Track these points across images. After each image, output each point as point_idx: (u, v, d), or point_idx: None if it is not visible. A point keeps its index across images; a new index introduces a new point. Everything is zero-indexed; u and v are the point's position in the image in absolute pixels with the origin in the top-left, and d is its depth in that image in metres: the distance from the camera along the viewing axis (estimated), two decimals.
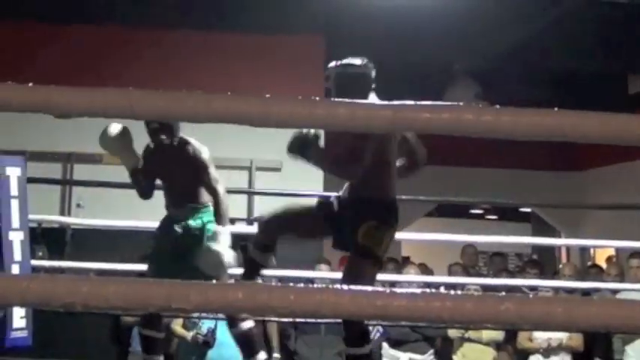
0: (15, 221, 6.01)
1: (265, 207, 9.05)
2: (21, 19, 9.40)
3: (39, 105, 1.67)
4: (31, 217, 6.22)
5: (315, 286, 1.38)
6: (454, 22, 8.79)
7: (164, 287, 1.51)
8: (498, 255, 10.72)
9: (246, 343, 5.28)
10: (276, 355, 7.65)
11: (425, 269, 9.73)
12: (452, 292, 1.49)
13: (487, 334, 7.90)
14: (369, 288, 1.48)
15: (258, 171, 9.45)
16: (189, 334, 7.23)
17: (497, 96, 10.00)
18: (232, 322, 5.32)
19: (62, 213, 8.50)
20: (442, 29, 9.03)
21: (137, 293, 1.49)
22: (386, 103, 1.51)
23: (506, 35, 9.57)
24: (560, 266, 10.70)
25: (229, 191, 8.70)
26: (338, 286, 1.46)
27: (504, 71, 10.62)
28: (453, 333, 7.95)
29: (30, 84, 1.61)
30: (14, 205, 6.02)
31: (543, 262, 10.12)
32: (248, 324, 5.15)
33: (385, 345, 7.99)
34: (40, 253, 7.52)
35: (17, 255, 6.00)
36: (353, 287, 1.46)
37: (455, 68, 10.67)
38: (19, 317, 6.13)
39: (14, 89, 1.62)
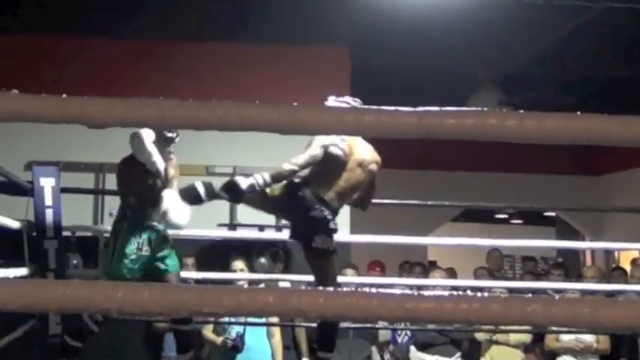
0: (49, 230, 6.06)
1: None
2: (49, 33, 9.47)
3: (73, 116, 1.68)
4: (65, 225, 6.27)
5: (344, 289, 1.39)
6: (477, 30, 8.77)
7: (197, 292, 1.51)
8: (530, 259, 10.77)
9: None
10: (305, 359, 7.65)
11: (452, 273, 9.73)
12: (479, 294, 1.48)
13: (514, 337, 7.86)
14: (398, 291, 1.48)
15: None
16: (218, 339, 7.25)
17: (521, 102, 10.00)
18: None
19: (95, 222, 8.53)
20: (466, 38, 9.02)
21: (170, 298, 1.50)
22: (411, 109, 1.51)
23: (530, 42, 9.54)
24: (585, 269, 10.66)
25: None
26: (367, 289, 1.46)
27: (527, 78, 10.58)
28: (480, 336, 7.91)
29: (64, 95, 1.62)
30: (49, 214, 6.08)
31: (568, 265, 10.06)
32: None
33: (412, 348, 7.97)
34: (75, 261, 7.57)
35: (52, 263, 6.05)
36: (381, 290, 1.46)
37: (479, 75, 10.65)
38: (55, 324, 6.17)
39: (48, 101, 1.63)
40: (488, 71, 10.57)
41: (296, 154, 9.07)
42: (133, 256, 5.25)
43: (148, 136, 5.22)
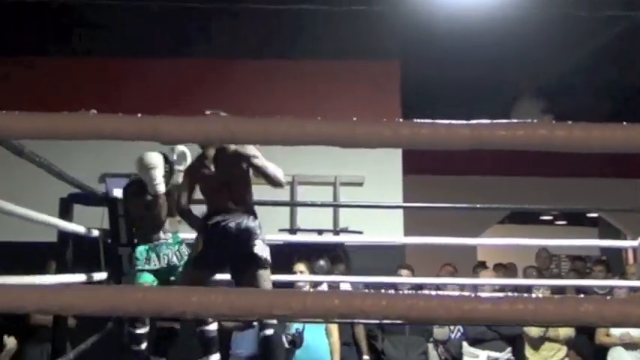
0: (123, 238, 6.13)
1: (349, 218, 9.14)
2: (121, 55, 9.60)
3: (147, 134, 1.69)
4: None
5: (405, 292, 1.38)
6: (521, 41, 8.70)
7: (267, 295, 1.52)
8: (578, 259, 10.73)
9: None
10: (365, 357, 7.64)
11: (506, 270, 9.71)
12: (533, 295, 1.48)
13: (564, 332, 7.81)
14: (456, 293, 1.48)
15: (342, 186, 9.47)
16: (280, 336, 7.26)
17: (563, 110, 9.91)
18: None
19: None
20: (510, 49, 8.96)
21: (243, 302, 1.51)
22: (464, 122, 1.50)
23: (571, 51, 9.45)
24: (627, 266, 10.61)
25: (316, 205, 8.79)
26: (427, 291, 1.46)
27: (569, 86, 10.47)
28: (534, 332, 7.86)
29: (139, 114, 1.64)
30: (122, 223, 6.16)
31: (611, 264, 9.97)
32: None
33: (465, 344, 7.93)
34: None
35: (126, 268, 6.12)
36: (441, 293, 1.47)
37: (522, 85, 10.58)
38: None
39: (124, 120, 1.65)
40: (531, 81, 10.49)
41: (353, 162, 9.12)
42: (145, 270, 5.36)
43: (154, 159, 5.34)
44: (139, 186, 5.53)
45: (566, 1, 7.69)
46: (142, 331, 5.59)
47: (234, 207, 5.01)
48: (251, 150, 5.04)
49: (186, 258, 5.39)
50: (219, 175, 5.08)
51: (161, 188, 5.37)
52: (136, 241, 5.62)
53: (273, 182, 5.06)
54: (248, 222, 4.99)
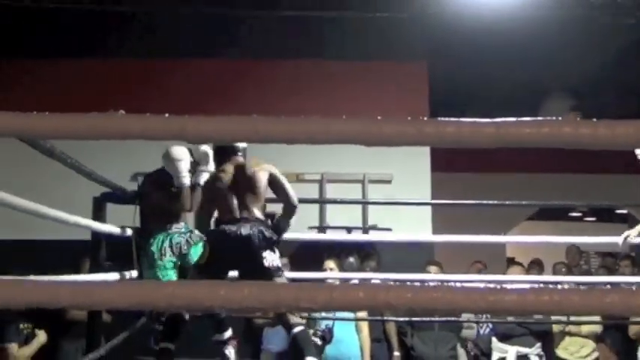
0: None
1: (378, 216, 9.13)
2: (152, 57, 9.64)
3: (174, 134, 1.70)
4: None
5: (431, 284, 1.39)
6: (549, 40, 8.65)
7: (293, 289, 1.52)
8: (609, 255, 10.67)
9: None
10: (396, 353, 7.63)
11: (539, 268, 9.67)
12: (559, 286, 1.47)
13: (586, 328, 7.75)
14: (482, 285, 1.48)
15: (371, 184, 9.45)
16: (310, 332, 7.26)
17: (591, 108, 9.82)
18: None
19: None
20: (538, 48, 8.91)
21: (269, 295, 1.51)
22: (489, 120, 1.49)
23: (599, 50, 9.38)
24: None
25: (344, 202, 8.79)
26: (452, 283, 1.45)
27: (597, 84, 10.39)
28: (555, 327, 7.80)
29: (166, 114, 1.64)
30: None
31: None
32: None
33: (494, 339, 7.89)
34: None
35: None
36: (466, 285, 1.46)
37: (550, 83, 10.51)
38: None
39: (152, 120, 1.65)
40: (558, 80, 10.42)
41: (382, 160, 9.10)
42: (160, 264, 5.36)
43: (181, 152, 5.35)
44: (161, 177, 5.54)
45: (590, 2, 7.63)
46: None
47: (245, 216, 5.01)
48: (274, 169, 5.12)
49: (196, 243, 5.41)
50: (236, 189, 5.07)
51: (186, 181, 5.39)
52: (146, 230, 5.59)
53: (291, 202, 5.14)
54: (256, 231, 4.94)
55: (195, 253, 5.51)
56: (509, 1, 7.90)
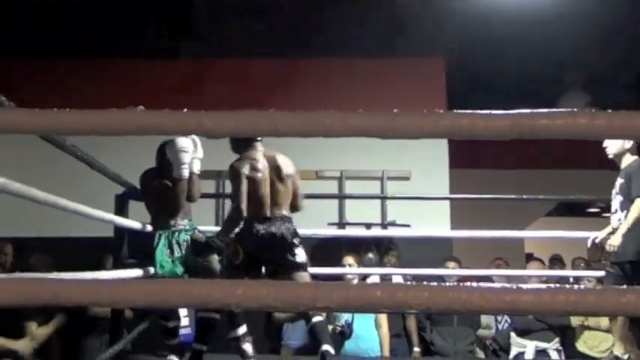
0: None
1: (396, 212, 9.11)
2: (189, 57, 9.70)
3: (191, 128, 1.70)
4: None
5: (448, 284, 1.37)
6: (566, 36, 8.61)
7: (310, 288, 1.51)
8: None
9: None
10: (416, 348, 7.61)
11: (560, 262, 9.63)
12: (575, 286, 1.46)
13: (605, 322, 7.69)
14: (499, 285, 1.47)
15: (389, 180, 9.44)
16: (329, 327, 7.27)
17: (608, 103, 9.76)
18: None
19: (216, 223, 8.62)
20: (555, 43, 8.86)
21: (287, 294, 1.51)
22: (504, 112, 1.49)
23: (616, 45, 9.33)
24: None
25: (363, 197, 8.80)
26: (468, 283, 1.44)
27: (614, 79, 10.33)
28: (573, 321, 7.75)
29: (184, 109, 1.65)
30: None
31: None
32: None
33: (513, 334, 7.87)
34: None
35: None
36: (482, 284, 1.45)
37: (567, 79, 10.46)
38: (182, 316, 6.29)
39: (169, 115, 1.66)
40: (576, 74, 10.37)
41: (400, 156, 9.08)
42: (169, 261, 5.35)
43: (187, 143, 5.34)
44: (157, 171, 5.54)
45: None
46: (175, 324, 5.65)
47: (277, 214, 5.08)
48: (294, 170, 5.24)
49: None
50: (271, 184, 5.12)
51: (186, 173, 5.39)
52: (153, 227, 5.58)
53: (298, 205, 5.28)
54: (289, 230, 5.03)
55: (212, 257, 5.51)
56: None
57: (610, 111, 1.45)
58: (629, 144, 5.82)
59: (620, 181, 5.84)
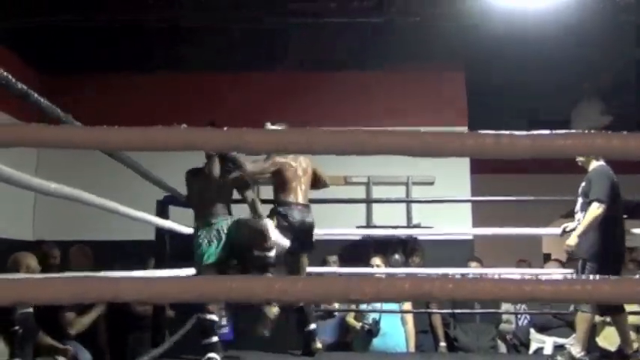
0: None
1: (421, 216, 9.12)
2: (214, 70, 9.72)
3: (233, 145, 1.73)
4: None
5: (471, 276, 1.42)
6: (581, 45, 8.55)
7: (342, 282, 1.55)
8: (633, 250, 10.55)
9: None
10: (442, 343, 7.62)
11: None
12: (591, 276, 1.50)
13: (631, 319, 7.64)
14: (518, 276, 1.50)
15: (414, 185, 9.45)
16: (358, 325, 7.29)
17: (622, 111, 9.71)
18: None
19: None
20: (571, 52, 8.80)
21: (321, 288, 1.54)
22: (525, 133, 1.52)
23: (630, 54, 9.26)
24: None
25: (390, 201, 8.81)
26: (490, 275, 1.47)
27: (628, 88, 10.25)
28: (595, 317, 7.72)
29: (225, 128, 1.68)
30: None
31: None
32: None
33: (532, 330, 7.86)
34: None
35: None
36: (504, 276, 1.48)
37: (583, 87, 10.40)
38: (220, 316, 6.31)
39: (213, 133, 1.69)
40: (591, 83, 10.30)
41: (424, 163, 9.08)
42: (211, 249, 5.36)
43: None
44: (197, 171, 5.58)
45: (622, 7, 7.53)
46: (214, 318, 5.42)
47: (307, 203, 5.84)
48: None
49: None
50: (302, 177, 5.84)
51: (216, 172, 5.43)
52: (196, 224, 5.58)
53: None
54: (313, 217, 5.84)
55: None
56: (542, 8, 7.80)
57: (625, 132, 1.47)
58: None
59: (583, 184, 5.91)
